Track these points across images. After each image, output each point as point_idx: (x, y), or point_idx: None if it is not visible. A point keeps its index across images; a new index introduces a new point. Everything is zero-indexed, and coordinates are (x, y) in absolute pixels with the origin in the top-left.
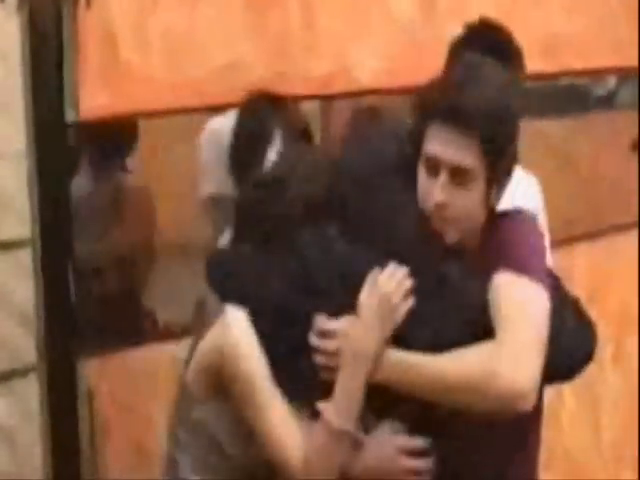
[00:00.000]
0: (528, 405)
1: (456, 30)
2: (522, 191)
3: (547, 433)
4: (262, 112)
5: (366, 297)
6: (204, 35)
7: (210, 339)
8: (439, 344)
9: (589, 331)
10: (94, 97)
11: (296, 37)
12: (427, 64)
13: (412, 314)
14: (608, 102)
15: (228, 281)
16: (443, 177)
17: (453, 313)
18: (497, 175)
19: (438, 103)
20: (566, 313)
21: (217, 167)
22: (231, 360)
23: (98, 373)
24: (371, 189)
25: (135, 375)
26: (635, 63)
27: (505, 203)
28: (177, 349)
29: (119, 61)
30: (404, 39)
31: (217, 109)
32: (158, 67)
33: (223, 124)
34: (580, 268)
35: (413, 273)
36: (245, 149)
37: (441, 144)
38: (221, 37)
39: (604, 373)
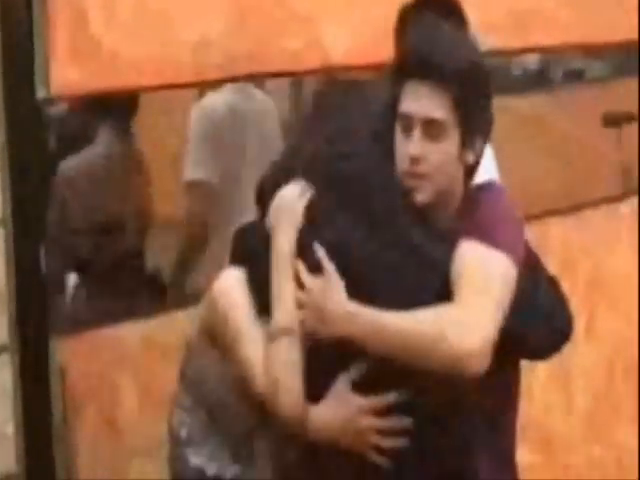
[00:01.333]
0: (477, 367)
1: None
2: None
3: (520, 406)
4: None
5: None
6: (175, 12)
7: (207, 295)
8: (398, 303)
9: (565, 310)
10: (65, 74)
11: (268, 13)
12: None
13: (373, 270)
14: (577, 78)
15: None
16: (416, 132)
17: (414, 274)
18: (470, 129)
19: (407, 60)
20: (543, 291)
21: (204, 149)
22: (217, 301)
23: (70, 351)
24: (348, 155)
25: (107, 353)
26: (602, 39)
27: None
28: (148, 327)
29: (90, 38)
30: (376, 15)
31: (188, 86)
32: (129, 44)
33: (214, 101)
34: (553, 241)
35: (378, 230)
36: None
37: (414, 100)
38: (192, 14)
39: (576, 345)
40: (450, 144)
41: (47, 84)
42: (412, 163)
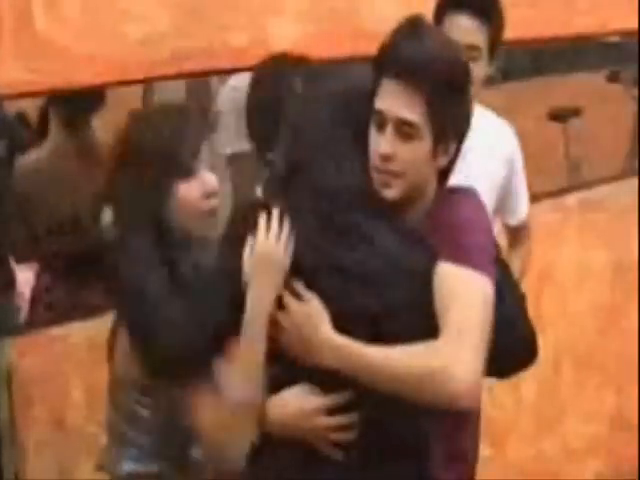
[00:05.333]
0: (470, 402)
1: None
2: (502, 133)
3: None
4: (277, 76)
5: (248, 259)
6: (120, 9)
7: None
8: (370, 305)
9: (528, 326)
10: (10, 73)
11: (212, 9)
12: (345, 33)
13: (343, 269)
14: (525, 73)
15: None
16: (389, 130)
17: (384, 273)
18: (444, 132)
19: (386, 58)
20: (509, 304)
21: (235, 125)
22: None
23: (18, 351)
24: (318, 147)
25: (56, 353)
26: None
27: (476, 144)
28: (96, 327)
29: (35, 36)
30: (321, 9)
31: (135, 83)
32: (75, 42)
33: (243, 80)
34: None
35: (341, 227)
36: (261, 115)
37: (388, 98)
38: (138, 11)
39: None
40: (422, 145)
41: None
42: (383, 160)
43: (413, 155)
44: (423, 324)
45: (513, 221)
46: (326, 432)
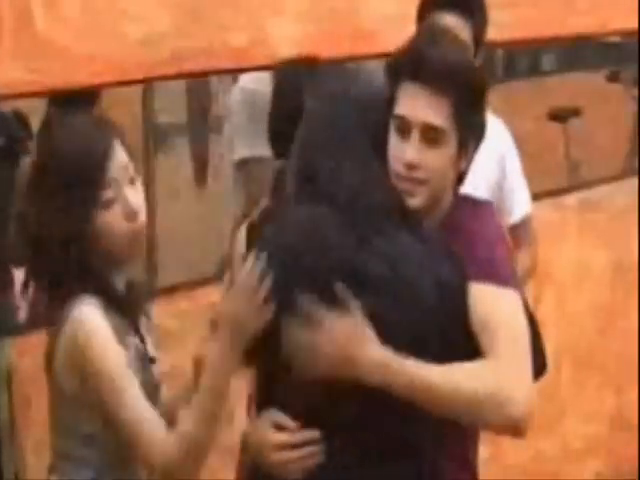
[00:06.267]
0: (526, 424)
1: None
2: (495, 132)
3: None
4: (298, 79)
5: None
6: (120, 9)
7: (66, 336)
8: (394, 312)
9: (539, 339)
10: (10, 73)
11: (212, 9)
12: (345, 33)
13: (354, 274)
14: (523, 72)
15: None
16: (414, 137)
17: (407, 281)
18: (466, 136)
19: (408, 63)
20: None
21: (251, 128)
22: (87, 353)
23: (18, 351)
24: (335, 153)
25: None
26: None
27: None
28: None
29: (35, 36)
30: (321, 9)
31: (135, 83)
32: (74, 42)
33: (257, 82)
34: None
35: (372, 235)
36: (283, 119)
37: (412, 104)
38: (138, 11)
39: None
40: (447, 151)
41: None
42: (409, 168)
43: (440, 161)
44: (448, 336)
45: (509, 220)
46: (293, 464)
